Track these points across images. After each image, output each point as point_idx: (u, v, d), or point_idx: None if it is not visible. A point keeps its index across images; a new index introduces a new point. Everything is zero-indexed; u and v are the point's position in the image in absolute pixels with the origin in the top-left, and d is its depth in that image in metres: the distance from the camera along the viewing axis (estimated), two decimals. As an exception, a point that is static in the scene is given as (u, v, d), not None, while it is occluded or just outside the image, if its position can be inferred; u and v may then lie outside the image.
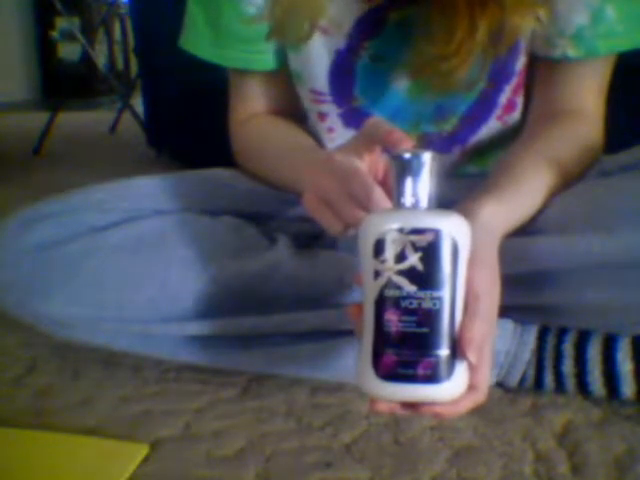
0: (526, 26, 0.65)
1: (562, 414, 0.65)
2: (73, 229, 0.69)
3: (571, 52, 0.69)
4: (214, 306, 0.67)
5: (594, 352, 0.65)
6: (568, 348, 0.66)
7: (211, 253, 0.68)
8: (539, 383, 0.68)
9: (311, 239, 0.76)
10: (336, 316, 0.66)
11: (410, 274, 0.45)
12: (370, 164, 0.56)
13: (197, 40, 0.80)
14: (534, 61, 0.74)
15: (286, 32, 0.71)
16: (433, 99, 0.75)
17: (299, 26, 0.70)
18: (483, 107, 0.77)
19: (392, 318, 0.45)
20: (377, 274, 0.46)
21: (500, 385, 0.69)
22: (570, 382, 0.66)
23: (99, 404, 0.69)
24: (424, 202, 0.47)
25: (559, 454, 0.59)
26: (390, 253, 0.45)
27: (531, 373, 0.67)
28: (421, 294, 0.45)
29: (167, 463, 0.59)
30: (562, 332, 0.67)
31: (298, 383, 0.71)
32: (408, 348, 0.45)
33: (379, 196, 0.51)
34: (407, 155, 0.47)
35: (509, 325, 0.67)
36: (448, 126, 0.78)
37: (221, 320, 0.67)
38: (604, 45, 0.68)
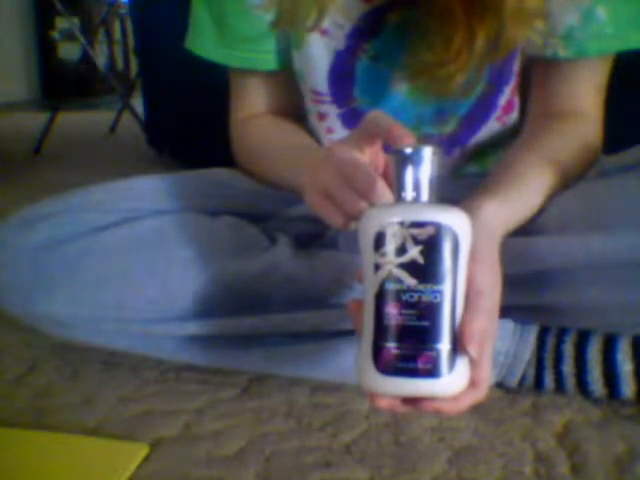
0: (523, 36, 0.65)
1: (562, 414, 0.65)
2: (73, 229, 0.69)
3: (561, 52, 0.69)
4: (214, 306, 0.67)
5: (594, 352, 0.65)
6: (568, 348, 0.66)
7: (211, 253, 0.68)
8: (539, 383, 0.67)
9: (311, 239, 0.76)
10: (335, 316, 0.66)
11: (410, 267, 0.45)
12: (371, 158, 0.56)
13: (202, 41, 0.80)
14: (531, 61, 0.74)
15: (293, 20, 0.70)
16: (433, 101, 0.75)
17: (307, 13, 0.68)
18: (483, 109, 0.77)
19: (392, 311, 0.45)
20: (377, 267, 0.46)
21: (500, 385, 0.69)
22: (570, 382, 0.66)
23: (99, 404, 0.69)
24: (425, 196, 0.47)
25: (559, 454, 0.59)
26: (390, 246, 0.45)
27: (531, 373, 0.67)
28: (421, 287, 0.45)
29: (167, 463, 0.59)
30: (562, 332, 0.67)
31: (298, 383, 0.71)
32: (408, 342, 0.45)
33: (382, 187, 0.50)
34: (408, 149, 0.47)
35: (509, 325, 0.67)
36: (448, 128, 0.78)
37: (221, 320, 0.67)
38: (594, 46, 0.68)
